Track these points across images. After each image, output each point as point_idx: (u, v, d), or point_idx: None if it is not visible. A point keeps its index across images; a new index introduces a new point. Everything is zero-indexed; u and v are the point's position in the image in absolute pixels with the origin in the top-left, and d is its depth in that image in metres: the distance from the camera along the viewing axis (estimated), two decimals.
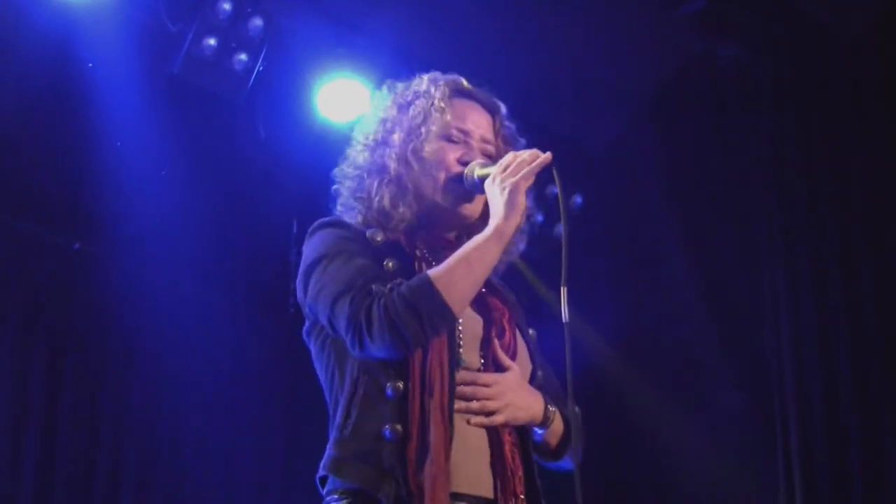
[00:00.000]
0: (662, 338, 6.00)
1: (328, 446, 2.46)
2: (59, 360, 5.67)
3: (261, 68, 5.20)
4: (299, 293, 2.56)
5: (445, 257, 2.47)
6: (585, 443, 2.64)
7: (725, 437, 5.58)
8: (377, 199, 2.61)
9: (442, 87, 2.70)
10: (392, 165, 2.62)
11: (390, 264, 2.48)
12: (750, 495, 5.45)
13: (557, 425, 2.60)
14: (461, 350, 2.49)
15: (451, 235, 2.67)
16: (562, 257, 2.51)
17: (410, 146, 2.62)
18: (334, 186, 2.72)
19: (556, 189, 2.51)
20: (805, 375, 5.06)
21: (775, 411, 5.14)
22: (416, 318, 2.34)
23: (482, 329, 2.55)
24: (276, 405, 6.17)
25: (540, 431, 2.59)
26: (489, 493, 2.44)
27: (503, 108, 2.77)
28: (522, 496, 2.46)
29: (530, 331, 2.69)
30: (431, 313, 2.35)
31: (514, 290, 2.75)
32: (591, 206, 6.17)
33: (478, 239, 2.46)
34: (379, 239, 2.56)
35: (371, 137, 2.68)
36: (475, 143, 2.67)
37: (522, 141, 2.74)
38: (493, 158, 2.66)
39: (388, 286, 2.40)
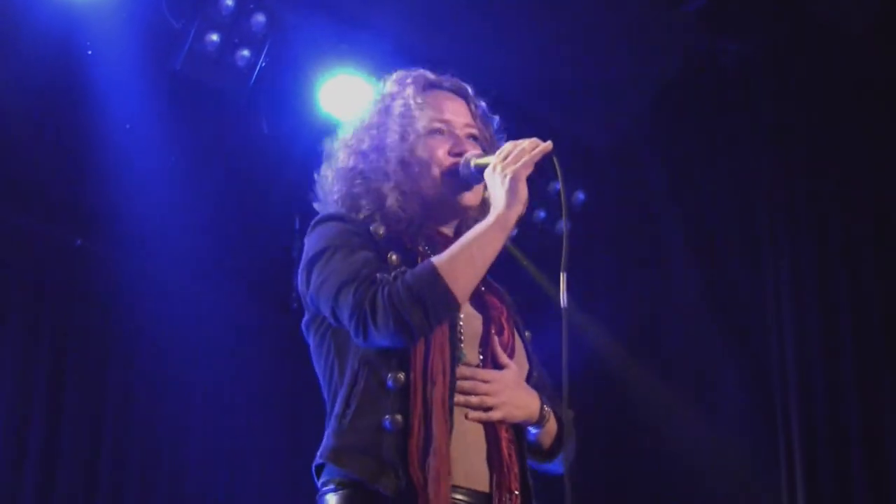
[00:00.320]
0: (664, 336, 6.00)
1: (326, 435, 2.46)
2: (62, 356, 5.67)
3: (263, 64, 5.21)
4: (301, 285, 2.56)
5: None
6: (579, 445, 2.65)
7: (728, 435, 5.58)
8: (376, 198, 2.61)
9: (412, 85, 2.71)
10: (389, 169, 2.62)
11: (394, 257, 2.48)
12: (752, 493, 5.45)
13: (552, 426, 2.61)
14: (462, 345, 2.49)
15: (450, 231, 2.68)
16: (563, 244, 2.52)
17: (404, 147, 2.63)
18: (318, 190, 2.72)
19: (558, 177, 2.51)
20: (808, 373, 5.06)
21: (777, 409, 5.14)
22: (420, 306, 2.35)
23: (482, 326, 2.55)
24: (278, 402, 6.18)
25: (534, 431, 2.60)
26: (485, 488, 2.45)
27: (471, 90, 2.77)
28: (517, 492, 2.47)
29: (526, 333, 2.70)
30: (436, 301, 2.36)
31: (511, 293, 2.76)
32: (593, 204, 6.17)
33: (480, 227, 2.47)
34: (381, 233, 2.56)
35: (364, 144, 2.68)
36: (459, 132, 2.68)
37: (496, 118, 2.76)
38: (477, 140, 2.68)
39: (392, 274, 2.41)
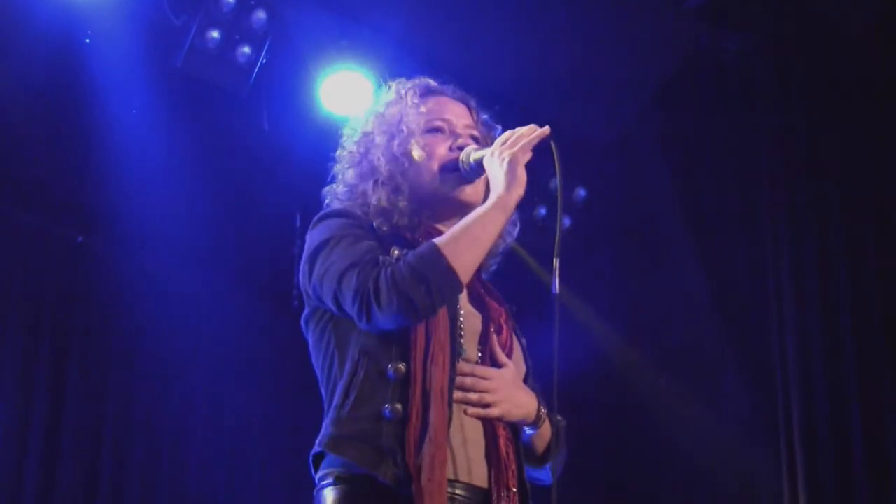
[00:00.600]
0: (665, 333, 6.00)
1: (324, 425, 2.47)
2: (63, 353, 5.68)
3: (264, 61, 5.21)
4: (302, 278, 2.57)
5: None
6: (569, 456, 2.67)
7: (729, 433, 5.58)
8: (374, 199, 2.63)
9: (412, 89, 2.75)
10: (383, 167, 2.64)
11: (397, 251, 2.49)
12: (753, 491, 5.45)
13: (546, 430, 2.63)
14: (462, 341, 2.51)
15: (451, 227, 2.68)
16: (556, 230, 2.56)
17: (397, 146, 2.65)
18: (326, 201, 2.74)
19: (554, 162, 2.53)
20: (809, 371, 5.05)
21: (779, 407, 5.13)
22: (423, 284, 2.36)
23: (481, 324, 2.57)
24: (278, 401, 6.18)
25: (530, 432, 2.62)
26: (483, 483, 2.46)
27: (473, 101, 2.80)
28: (515, 489, 2.48)
29: (522, 339, 2.71)
30: (439, 279, 2.37)
31: (513, 295, 2.77)
32: (596, 200, 6.17)
33: (481, 209, 2.49)
34: (385, 229, 2.59)
35: (357, 148, 2.72)
36: (461, 131, 2.70)
37: (499, 128, 2.77)
38: (479, 142, 2.70)
39: (395, 256, 2.43)
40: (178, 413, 5.94)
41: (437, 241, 2.43)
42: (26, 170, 5.50)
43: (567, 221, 6.05)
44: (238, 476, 6.08)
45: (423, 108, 2.69)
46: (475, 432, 2.49)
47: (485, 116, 2.80)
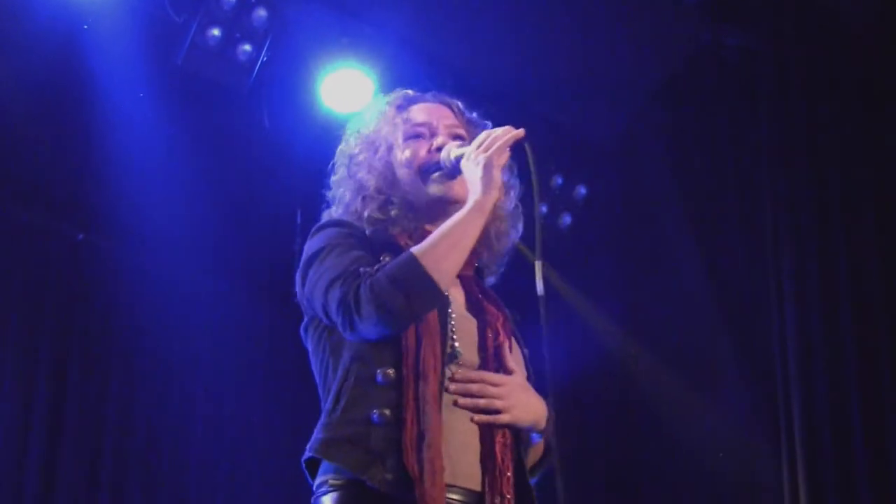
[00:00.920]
0: (666, 330, 5.99)
1: (316, 430, 2.48)
2: (64, 350, 5.68)
3: (265, 59, 5.20)
4: (298, 288, 2.60)
5: None
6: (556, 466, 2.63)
7: (729, 429, 5.58)
8: (367, 212, 2.66)
9: (390, 103, 2.78)
10: (370, 183, 2.67)
11: (387, 258, 2.50)
12: (754, 487, 5.45)
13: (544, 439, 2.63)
14: (457, 345, 2.51)
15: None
16: (536, 232, 2.55)
17: (379, 159, 2.69)
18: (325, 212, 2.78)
19: (530, 164, 2.55)
20: (810, 368, 5.04)
21: (779, 404, 5.13)
22: (401, 292, 2.37)
23: (476, 329, 2.57)
24: (280, 400, 6.17)
25: (538, 438, 2.61)
26: (477, 487, 2.45)
27: (460, 104, 2.81)
28: (509, 496, 2.47)
29: (524, 350, 2.70)
30: (417, 287, 2.39)
31: (514, 308, 2.77)
32: (596, 198, 6.17)
33: (458, 214, 2.50)
34: (379, 236, 2.61)
35: (345, 171, 2.75)
36: (442, 131, 2.71)
37: (488, 123, 2.77)
38: (464, 140, 2.70)
39: (375, 267, 2.44)
40: (178, 413, 5.94)
41: (414, 249, 2.44)
42: (26, 167, 5.50)
43: (567, 219, 6.06)
44: (238, 476, 6.08)
45: (399, 120, 2.72)
46: (470, 436, 2.48)
47: (473, 115, 2.80)
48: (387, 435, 2.38)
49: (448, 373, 2.47)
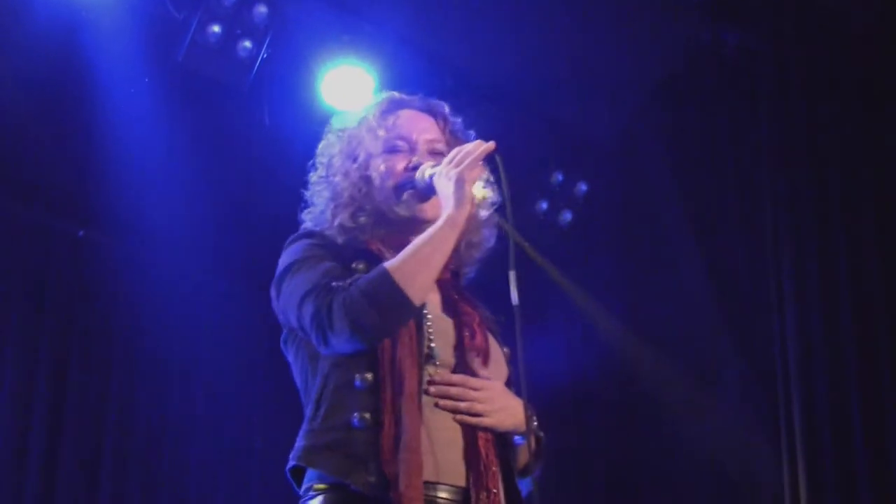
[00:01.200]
0: (666, 328, 5.99)
1: (298, 437, 2.53)
2: (65, 346, 5.68)
3: (265, 56, 5.21)
4: (274, 302, 2.62)
5: None
6: (545, 470, 2.66)
7: (729, 427, 5.57)
8: (338, 221, 2.67)
9: (376, 106, 2.78)
10: (345, 190, 2.68)
11: (360, 266, 2.53)
12: (754, 487, 5.44)
13: (531, 442, 2.62)
14: (434, 346, 2.52)
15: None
16: (510, 244, 2.56)
17: (356, 169, 2.69)
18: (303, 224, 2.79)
19: (501, 177, 2.56)
20: (810, 366, 5.04)
21: (780, 402, 5.13)
22: (374, 308, 2.39)
23: (453, 329, 2.58)
24: (280, 399, 6.14)
25: (520, 441, 2.61)
26: (462, 483, 2.47)
27: (446, 108, 2.82)
28: (496, 491, 2.48)
29: (504, 348, 2.72)
30: (389, 302, 2.40)
31: (496, 310, 2.78)
32: (596, 196, 6.17)
33: (431, 229, 2.51)
34: (350, 246, 2.63)
35: (323, 172, 2.76)
36: (421, 147, 2.72)
37: (471, 133, 2.79)
38: (443, 156, 2.69)
39: (348, 281, 2.45)
40: (178, 413, 5.94)
41: (387, 264, 2.45)
42: (27, 163, 5.50)
43: (568, 216, 6.06)
44: (238, 476, 6.07)
45: (381, 131, 2.72)
46: (453, 433, 2.50)
47: (457, 121, 2.80)
48: (367, 438, 2.41)
49: (426, 374, 2.49)
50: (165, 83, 5.24)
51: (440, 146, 2.73)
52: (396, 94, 2.82)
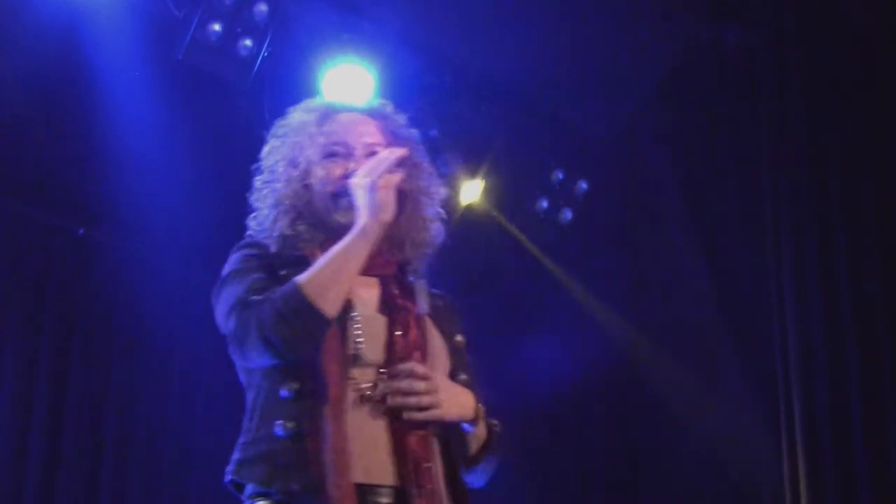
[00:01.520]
0: (667, 327, 5.99)
1: (234, 450, 2.54)
2: (65, 345, 5.68)
3: (266, 54, 5.20)
4: (215, 314, 2.63)
5: None
6: (502, 459, 2.66)
7: (730, 425, 5.57)
8: (278, 227, 2.67)
9: (314, 113, 2.78)
10: (285, 197, 2.68)
11: (287, 273, 2.52)
12: (755, 486, 5.44)
13: (482, 430, 2.62)
14: (362, 347, 2.51)
15: None
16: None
17: (296, 175, 2.69)
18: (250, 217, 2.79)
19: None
20: (810, 365, 5.04)
21: (780, 401, 5.13)
22: (284, 323, 2.39)
23: (385, 327, 2.56)
24: None
25: (470, 429, 2.60)
26: (393, 482, 2.46)
27: (388, 108, 2.82)
28: (431, 486, 2.47)
29: (458, 337, 2.71)
30: (302, 318, 2.40)
31: (454, 298, 2.78)
32: (597, 194, 6.17)
33: (345, 239, 2.51)
34: (285, 254, 2.62)
35: (264, 175, 2.77)
36: (359, 152, 2.70)
37: (414, 132, 2.79)
38: None
39: (263, 296, 2.46)
40: (178, 413, 5.93)
41: (299, 278, 2.44)
42: (28, 161, 5.50)
43: (568, 214, 6.07)
44: None
45: (321, 137, 2.71)
46: (378, 432, 2.48)
47: (399, 120, 2.79)
48: (292, 447, 2.42)
49: (353, 376, 2.48)
50: (166, 82, 5.24)
51: (380, 149, 2.69)
52: (335, 102, 2.84)
